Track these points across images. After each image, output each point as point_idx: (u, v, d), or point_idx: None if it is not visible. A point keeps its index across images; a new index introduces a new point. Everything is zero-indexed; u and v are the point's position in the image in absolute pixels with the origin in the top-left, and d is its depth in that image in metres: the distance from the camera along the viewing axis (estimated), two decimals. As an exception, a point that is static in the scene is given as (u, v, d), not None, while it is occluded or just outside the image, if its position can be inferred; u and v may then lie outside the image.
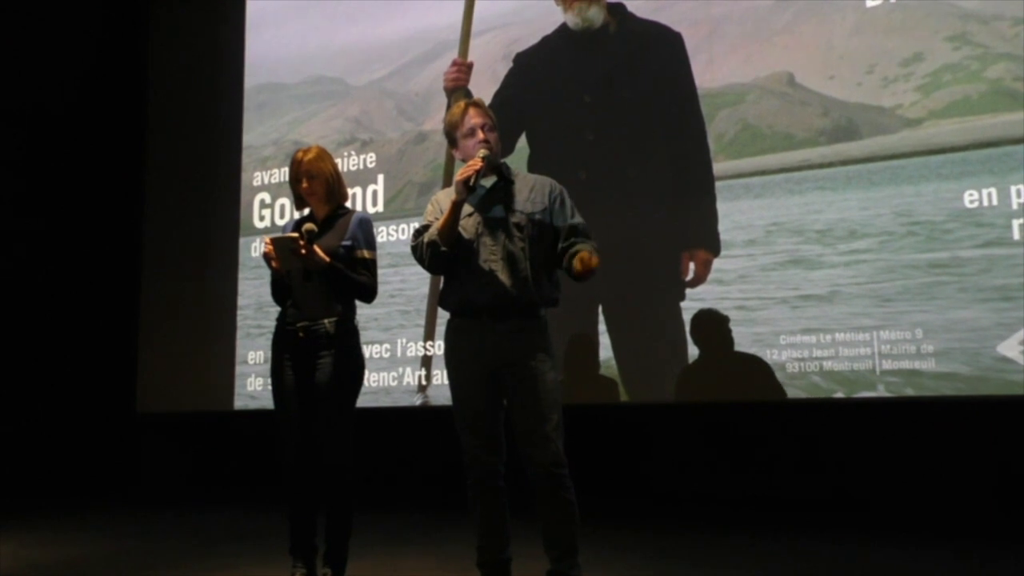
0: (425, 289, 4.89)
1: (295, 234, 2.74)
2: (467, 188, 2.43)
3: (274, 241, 2.70)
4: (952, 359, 3.71)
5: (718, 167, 4.34)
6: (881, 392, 3.82)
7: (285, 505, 2.86)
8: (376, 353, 4.99)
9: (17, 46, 6.00)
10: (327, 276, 2.77)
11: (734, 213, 4.27)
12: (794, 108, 4.26)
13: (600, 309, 4.47)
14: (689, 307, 4.28)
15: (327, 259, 2.74)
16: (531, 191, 2.58)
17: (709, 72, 4.43)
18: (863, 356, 3.88)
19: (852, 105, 4.11)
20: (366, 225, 2.94)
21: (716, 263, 4.25)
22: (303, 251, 2.68)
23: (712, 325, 4.21)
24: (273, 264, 2.77)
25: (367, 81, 5.55)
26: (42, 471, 5.73)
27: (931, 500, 3.82)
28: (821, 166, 4.14)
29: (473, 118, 2.58)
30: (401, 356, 4.96)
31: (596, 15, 4.68)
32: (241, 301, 5.61)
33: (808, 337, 4.00)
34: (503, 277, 2.47)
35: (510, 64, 4.90)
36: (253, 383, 5.40)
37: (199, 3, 6.35)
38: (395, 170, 5.28)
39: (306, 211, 2.98)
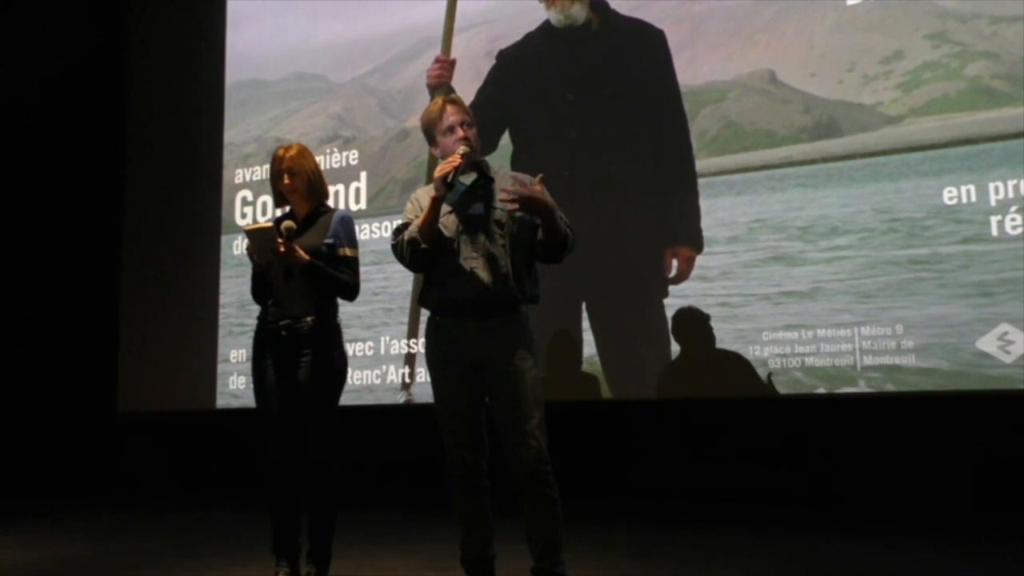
0: (408, 287, 4.88)
1: (270, 223, 2.72)
2: (446, 184, 2.42)
3: (250, 232, 2.68)
4: (932, 355, 3.74)
5: (700, 164, 4.35)
6: (862, 388, 3.86)
7: (268, 504, 2.85)
8: (359, 351, 4.97)
9: (-6, 42, 5.95)
10: (308, 275, 2.76)
11: (716, 210, 4.29)
12: (776, 106, 4.28)
13: (583, 306, 4.48)
14: (672, 304, 4.29)
15: (307, 258, 2.73)
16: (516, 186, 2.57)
17: (691, 69, 4.44)
18: (844, 352, 3.91)
19: (833, 103, 4.13)
20: (348, 223, 2.93)
21: (699, 260, 4.27)
22: (282, 249, 2.67)
23: (693, 322, 4.23)
24: (255, 257, 2.75)
25: (349, 78, 5.52)
26: (22, 472, 5.67)
27: (912, 494, 3.85)
28: (803, 163, 4.17)
29: (452, 115, 2.56)
30: (384, 354, 4.95)
31: (579, 12, 4.68)
32: (223, 299, 5.58)
33: (790, 333, 4.03)
34: (484, 275, 2.47)
35: (493, 61, 4.89)
36: (235, 381, 5.37)
37: (179, -1, 6.31)
38: (378, 167, 5.27)
39: (286, 209, 2.97)
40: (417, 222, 2.49)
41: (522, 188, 2.42)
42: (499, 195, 2.45)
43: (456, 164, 2.42)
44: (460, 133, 2.53)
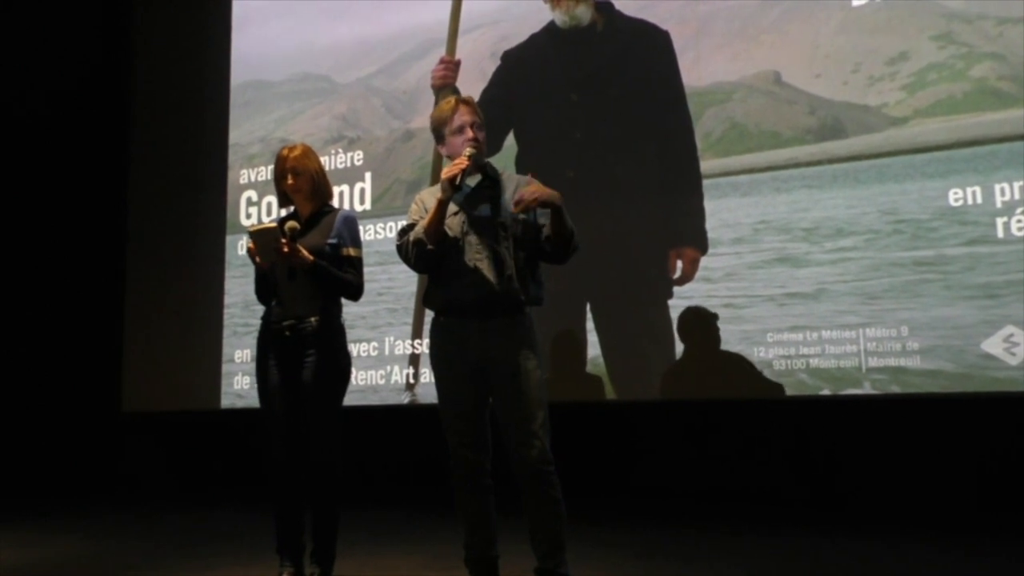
0: (413, 287, 4.88)
1: (274, 224, 2.72)
2: (453, 186, 2.42)
3: (255, 234, 2.68)
4: (937, 356, 3.73)
5: (705, 165, 4.35)
6: (867, 389, 3.85)
7: (272, 504, 2.85)
8: (364, 351, 4.97)
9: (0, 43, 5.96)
10: (311, 275, 2.76)
11: (721, 211, 4.28)
12: (781, 107, 4.27)
13: (588, 307, 4.47)
14: (677, 305, 4.29)
15: (310, 258, 2.73)
16: (516, 190, 2.57)
17: (696, 70, 4.43)
18: (849, 353, 3.90)
19: (838, 104, 4.13)
20: (351, 223, 2.93)
21: (703, 261, 4.27)
22: (286, 249, 2.67)
23: (698, 323, 4.22)
24: (256, 259, 2.75)
25: (354, 79, 5.53)
26: (26, 471, 5.68)
27: (916, 495, 3.84)
28: (808, 164, 4.16)
29: (463, 115, 2.56)
30: (389, 354, 4.95)
31: (584, 13, 4.68)
32: (228, 299, 5.58)
33: (795, 335, 4.02)
34: (489, 276, 2.47)
35: (498, 62, 4.89)
36: (240, 381, 5.38)
37: (185, 0, 6.32)
38: (383, 168, 5.27)
39: (291, 209, 2.97)
40: (423, 223, 2.50)
41: (527, 190, 2.41)
42: (514, 199, 2.45)
43: (464, 167, 2.42)
44: (469, 134, 2.53)
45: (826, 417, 4.09)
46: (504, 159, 4.60)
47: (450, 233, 2.51)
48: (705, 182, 4.33)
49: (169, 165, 6.12)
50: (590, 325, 4.46)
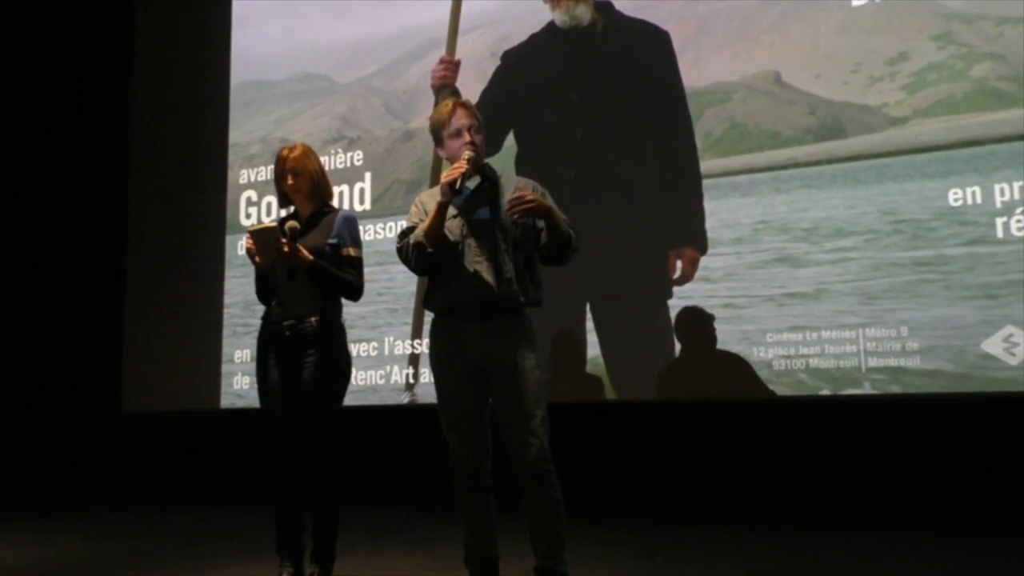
0: (412, 287, 4.88)
1: (274, 223, 2.72)
2: (452, 190, 2.43)
3: (255, 233, 2.68)
4: (937, 356, 3.73)
5: (705, 165, 4.35)
6: (867, 389, 3.85)
7: (272, 504, 2.85)
8: (364, 351, 4.97)
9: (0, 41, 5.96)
10: (311, 274, 2.76)
11: (721, 211, 4.28)
12: (781, 107, 4.28)
13: (588, 307, 4.48)
14: (676, 305, 4.29)
15: (310, 258, 2.73)
16: (515, 192, 2.57)
17: (696, 70, 4.44)
18: (849, 354, 3.90)
19: (838, 104, 4.13)
20: (352, 223, 2.93)
21: (703, 261, 4.27)
22: (286, 249, 2.67)
23: (697, 323, 4.22)
24: (256, 259, 2.75)
25: (354, 79, 5.53)
26: (26, 471, 5.68)
27: (916, 496, 3.84)
28: (807, 164, 4.16)
29: (460, 119, 2.56)
30: (388, 354, 4.96)
31: (584, 13, 4.68)
32: (228, 299, 5.58)
33: (794, 335, 4.02)
34: (488, 278, 2.47)
35: (498, 62, 4.89)
36: (239, 382, 5.38)
37: (185, 0, 6.32)
38: (382, 168, 5.27)
39: (291, 209, 2.97)
40: (423, 226, 2.50)
41: (518, 195, 2.41)
42: (507, 205, 2.45)
43: (463, 170, 2.43)
44: (467, 137, 2.53)
45: (826, 417, 4.09)
46: (504, 159, 4.60)
47: (450, 236, 2.51)
48: (705, 182, 4.33)
49: (169, 165, 6.12)
50: (590, 325, 4.47)
